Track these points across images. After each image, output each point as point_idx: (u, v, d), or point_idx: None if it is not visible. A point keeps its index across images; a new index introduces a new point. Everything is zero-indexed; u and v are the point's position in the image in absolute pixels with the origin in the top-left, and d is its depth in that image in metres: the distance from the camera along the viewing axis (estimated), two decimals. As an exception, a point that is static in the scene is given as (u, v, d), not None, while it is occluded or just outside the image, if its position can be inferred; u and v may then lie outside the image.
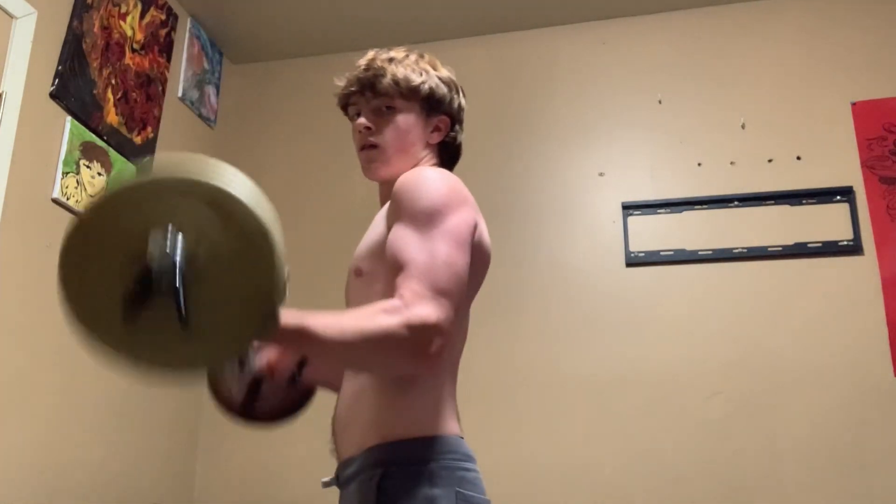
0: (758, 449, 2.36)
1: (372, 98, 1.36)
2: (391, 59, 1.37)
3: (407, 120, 1.35)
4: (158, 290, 0.87)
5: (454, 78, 1.44)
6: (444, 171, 1.26)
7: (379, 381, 1.19)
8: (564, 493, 2.45)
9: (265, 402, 1.33)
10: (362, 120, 1.36)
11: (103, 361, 0.94)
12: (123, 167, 2.44)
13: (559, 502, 2.44)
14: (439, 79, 1.39)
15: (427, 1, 2.86)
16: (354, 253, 1.31)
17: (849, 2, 2.72)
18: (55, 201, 2.15)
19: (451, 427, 1.22)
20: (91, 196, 0.91)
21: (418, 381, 1.19)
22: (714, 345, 2.48)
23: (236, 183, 0.92)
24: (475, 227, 1.25)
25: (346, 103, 1.41)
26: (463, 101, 1.44)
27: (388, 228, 1.23)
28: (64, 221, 2.12)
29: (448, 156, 1.43)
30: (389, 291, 1.13)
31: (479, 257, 1.27)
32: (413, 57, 1.40)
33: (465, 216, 1.22)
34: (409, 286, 1.08)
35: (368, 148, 1.36)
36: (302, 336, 1.00)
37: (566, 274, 2.67)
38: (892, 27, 2.66)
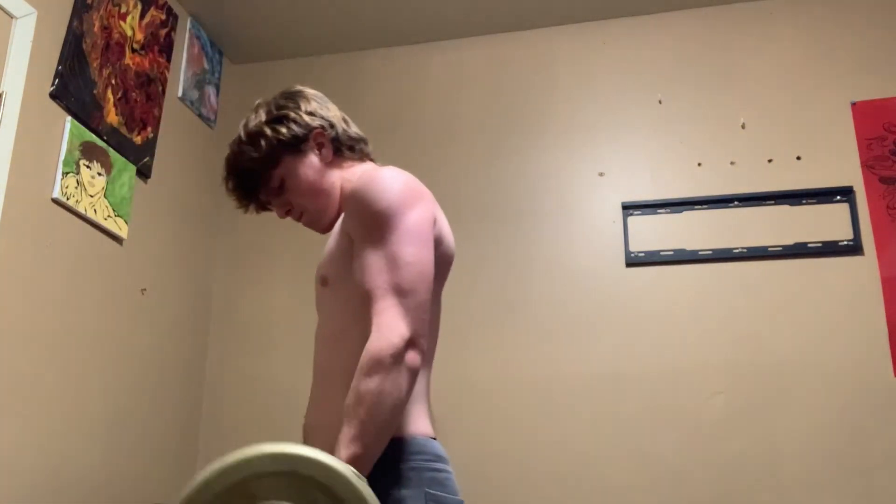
0: (758, 449, 2.35)
1: (262, 192, 1.38)
2: (235, 157, 1.38)
3: (295, 175, 1.36)
4: None
5: (292, 96, 1.42)
6: (394, 171, 1.25)
7: (346, 380, 1.19)
8: (564, 494, 2.45)
9: None
10: (277, 211, 1.40)
11: None
12: (124, 167, 2.43)
13: (558, 503, 2.44)
14: (275, 121, 1.38)
15: (427, 1, 2.85)
16: (318, 263, 1.31)
17: (849, 2, 2.72)
18: (55, 201, 2.15)
19: (420, 427, 1.21)
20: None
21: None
22: (714, 345, 2.48)
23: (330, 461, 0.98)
24: (434, 221, 1.25)
25: (260, 207, 1.43)
26: (310, 104, 1.41)
27: (347, 236, 1.24)
28: (64, 221, 2.16)
29: (349, 149, 1.42)
30: (355, 299, 1.17)
31: (439, 251, 1.28)
32: (245, 134, 1.39)
33: (421, 212, 1.21)
34: (378, 311, 1.12)
35: (302, 219, 1.39)
36: (362, 463, 1.07)
37: (566, 274, 2.66)
38: (892, 27, 2.66)
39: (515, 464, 2.50)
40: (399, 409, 1.11)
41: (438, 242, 1.27)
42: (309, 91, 1.45)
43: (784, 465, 2.33)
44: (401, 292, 1.13)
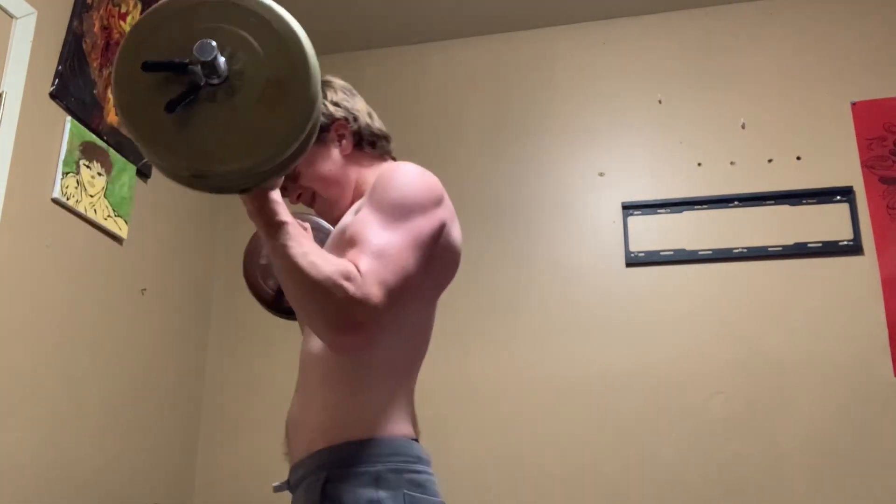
0: (758, 449, 2.36)
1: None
2: None
3: (313, 163, 1.35)
4: (197, 75, 0.93)
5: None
6: (421, 169, 1.25)
7: (329, 382, 1.18)
8: (563, 495, 2.45)
9: None
10: (289, 196, 1.38)
11: (148, 150, 0.97)
12: (124, 167, 2.43)
13: (558, 503, 2.44)
14: None
15: (427, 1, 2.85)
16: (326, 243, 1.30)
17: (849, 2, 2.72)
18: (55, 201, 2.14)
19: (400, 429, 1.19)
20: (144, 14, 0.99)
21: (369, 382, 1.18)
22: (714, 345, 2.48)
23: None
24: (441, 229, 1.23)
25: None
26: (337, 93, 1.40)
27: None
28: (64, 221, 2.16)
29: (370, 144, 1.40)
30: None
31: (447, 257, 1.26)
32: None
33: (432, 220, 1.20)
34: (365, 263, 1.07)
35: (314, 205, 1.39)
36: (272, 217, 1.04)
37: (566, 274, 2.67)
38: (892, 27, 2.66)
39: (514, 464, 2.50)
40: (299, 300, 1.07)
41: (447, 248, 1.25)
42: (337, 81, 1.43)
43: (784, 465, 2.33)
44: (381, 273, 1.07)
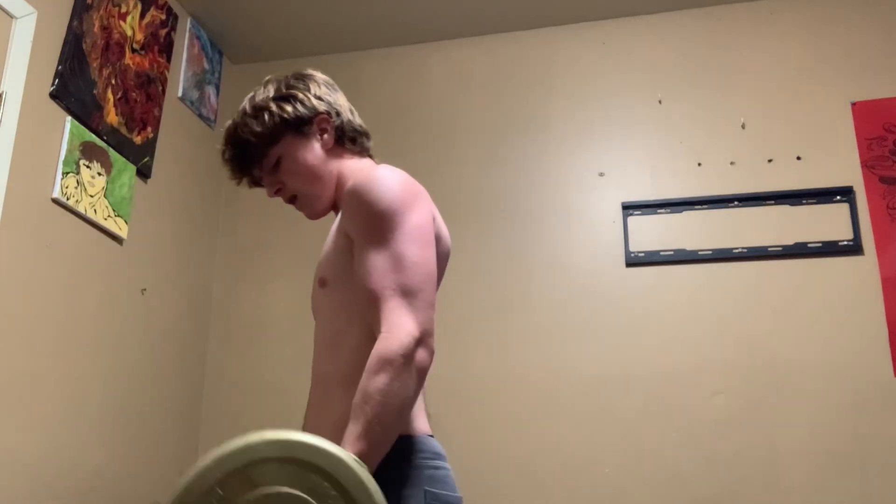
0: (758, 449, 2.35)
1: (256, 168, 1.37)
2: (235, 128, 1.37)
3: (293, 156, 1.34)
4: None
5: (304, 78, 1.40)
6: (391, 169, 1.24)
7: (345, 384, 1.18)
8: (563, 494, 2.44)
9: None
10: (267, 190, 1.37)
11: None
12: (124, 167, 2.43)
13: (558, 503, 2.44)
14: (282, 99, 1.36)
15: (426, 1, 2.85)
16: (317, 263, 1.30)
17: (849, 2, 2.71)
18: (55, 201, 2.14)
19: (418, 425, 1.21)
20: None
21: None
22: (714, 345, 2.48)
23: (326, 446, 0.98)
24: (433, 219, 1.25)
25: (253, 183, 1.41)
26: (320, 88, 1.40)
27: (345, 236, 1.22)
28: (64, 221, 2.16)
29: (351, 140, 1.40)
30: (354, 300, 1.16)
31: (438, 249, 1.27)
32: (250, 107, 1.37)
33: (422, 212, 1.20)
34: (386, 311, 1.10)
35: (294, 201, 1.37)
36: (367, 460, 1.04)
37: (566, 274, 2.66)
38: (892, 27, 2.65)
39: (514, 463, 2.50)
40: (407, 408, 1.10)
41: (437, 240, 1.26)
42: (320, 76, 1.43)
43: (783, 466, 2.32)
44: (409, 292, 1.12)
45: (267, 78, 1.42)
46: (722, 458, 2.36)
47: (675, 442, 2.41)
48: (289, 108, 1.35)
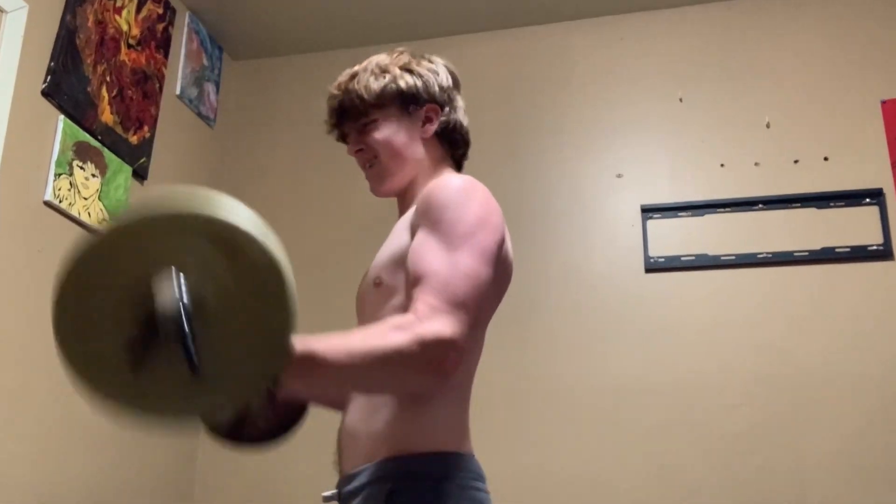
0: (783, 465, 2.34)
1: (351, 122, 1.38)
2: (353, 76, 1.39)
3: (389, 127, 1.36)
4: (166, 337, 0.85)
5: (435, 63, 1.43)
6: (474, 182, 1.24)
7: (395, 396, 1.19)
8: (581, 509, 2.46)
9: (252, 425, 1.32)
10: (351, 146, 1.39)
11: (108, 414, 0.93)
12: (119, 168, 2.42)
13: (576, 520, 2.44)
14: (408, 71, 1.38)
15: (436, -6, 2.88)
16: (373, 262, 1.30)
17: (878, -5, 2.74)
18: (47, 204, 2.14)
19: (465, 444, 1.22)
20: (81, 238, 0.88)
21: (436, 397, 1.18)
22: (737, 355, 2.46)
23: (239, 214, 0.89)
24: (503, 241, 1.24)
25: (341, 136, 1.43)
26: (447, 81, 1.41)
27: (412, 237, 1.21)
28: (56, 225, 2.18)
29: (449, 142, 1.41)
30: (408, 303, 1.13)
31: (502, 271, 1.27)
32: (375, 63, 1.39)
33: (494, 232, 1.20)
34: (424, 299, 1.07)
35: (368, 168, 1.39)
36: (310, 365, 0.99)
37: (582, 280, 2.65)
38: (923, 22, 2.68)
39: (529, 477, 2.48)
40: (383, 386, 1.09)
41: (503, 261, 1.26)
42: (451, 69, 1.44)
43: (809, 481, 2.30)
44: (452, 296, 1.08)
45: (401, 48, 1.44)
46: (745, 473, 2.35)
47: (696, 456, 2.40)
48: (409, 81, 1.37)
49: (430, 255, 1.13)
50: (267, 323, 0.90)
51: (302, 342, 0.97)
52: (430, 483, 1.11)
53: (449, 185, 1.21)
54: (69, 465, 2.16)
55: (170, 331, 0.84)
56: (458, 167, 1.45)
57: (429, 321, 1.04)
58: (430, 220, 1.18)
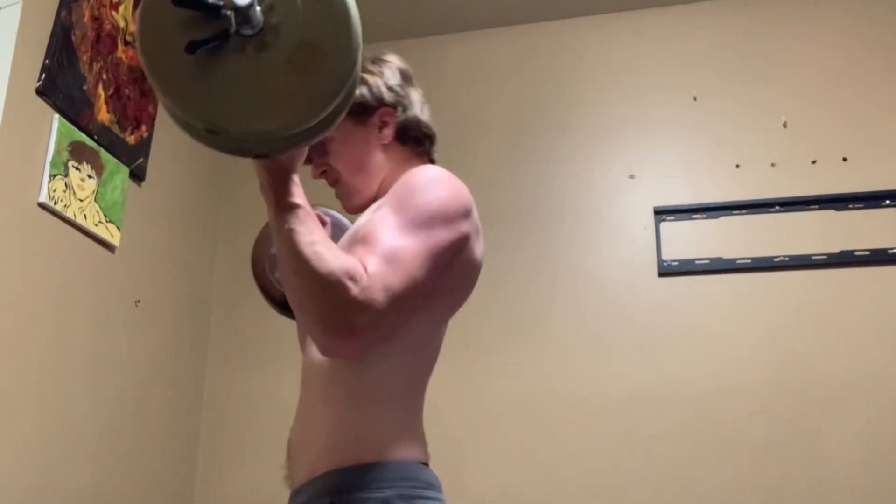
0: (801, 473, 2.32)
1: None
2: None
3: (345, 143, 1.34)
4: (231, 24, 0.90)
5: (380, 63, 1.39)
6: (451, 176, 1.22)
7: (333, 400, 1.16)
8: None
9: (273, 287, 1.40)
10: (314, 169, 1.37)
11: (172, 110, 0.98)
12: (116, 169, 2.41)
13: (587, 531, 2.45)
14: None
15: (442, -11, 2.90)
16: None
17: (897, -9, 2.74)
18: (42, 206, 2.11)
19: (410, 452, 1.16)
20: None
21: (376, 401, 1.15)
22: (753, 361, 2.46)
23: None
24: (463, 243, 1.20)
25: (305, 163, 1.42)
26: (394, 79, 1.37)
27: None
28: (51, 227, 2.18)
29: (412, 140, 1.37)
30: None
31: (465, 274, 1.23)
32: None
33: (453, 232, 1.17)
34: (373, 264, 1.05)
35: (335, 186, 1.37)
36: (287, 192, 1.05)
37: (594, 284, 2.64)
38: (944, 18, 2.68)
39: (538, 487, 2.47)
40: (295, 290, 1.06)
41: (468, 263, 1.22)
42: (397, 62, 1.40)
43: (829, 492, 2.29)
44: (390, 286, 1.05)
45: None
46: (762, 483, 2.34)
47: (711, 464, 2.39)
48: (360, 90, 1.34)
49: (388, 229, 1.10)
50: (306, 84, 0.92)
51: (297, 186, 1.04)
52: (370, 495, 1.07)
53: (425, 172, 1.20)
54: (67, 469, 2.16)
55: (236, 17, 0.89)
56: (431, 161, 1.41)
57: (373, 288, 1.02)
58: (395, 198, 1.16)
